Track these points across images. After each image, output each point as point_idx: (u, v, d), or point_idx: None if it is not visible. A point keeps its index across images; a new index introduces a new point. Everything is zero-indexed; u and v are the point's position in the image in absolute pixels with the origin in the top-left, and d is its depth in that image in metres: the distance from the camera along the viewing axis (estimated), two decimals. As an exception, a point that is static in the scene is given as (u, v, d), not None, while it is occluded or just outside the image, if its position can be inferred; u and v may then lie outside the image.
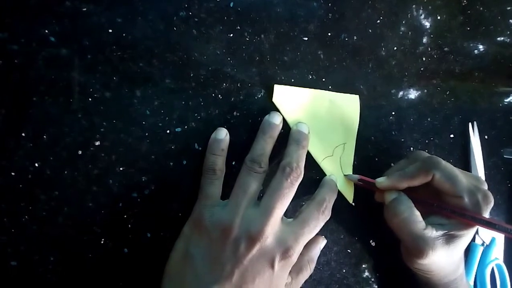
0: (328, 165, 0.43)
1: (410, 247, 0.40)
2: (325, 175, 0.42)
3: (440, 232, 0.39)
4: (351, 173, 0.44)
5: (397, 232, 0.40)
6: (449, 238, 0.39)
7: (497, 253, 0.55)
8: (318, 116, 0.42)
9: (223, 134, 0.37)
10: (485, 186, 0.40)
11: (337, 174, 0.43)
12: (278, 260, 0.35)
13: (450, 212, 0.39)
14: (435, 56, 0.48)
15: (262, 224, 0.34)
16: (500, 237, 0.56)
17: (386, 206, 0.41)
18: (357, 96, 0.44)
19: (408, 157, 0.43)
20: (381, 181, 0.41)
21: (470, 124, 0.51)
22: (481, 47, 0.52)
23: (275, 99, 0.40)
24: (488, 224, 0.38)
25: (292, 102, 0.41)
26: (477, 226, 0.39)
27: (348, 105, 0.44)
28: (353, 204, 0.44)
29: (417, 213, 0.39)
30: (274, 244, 0.35)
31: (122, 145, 0.34)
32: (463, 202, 0.38)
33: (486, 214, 0.38)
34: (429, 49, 0.48)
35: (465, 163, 0.52)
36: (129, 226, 0.35)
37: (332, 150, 0.43)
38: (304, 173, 0.37)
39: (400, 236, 0.40)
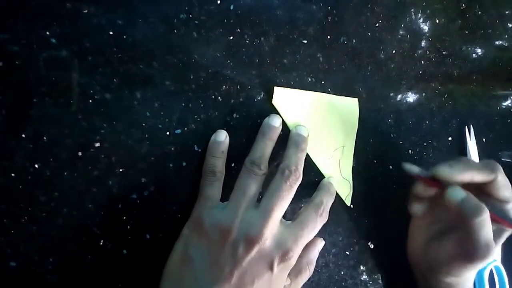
0: (327, 168, 0.43)
1: (474, 249, 0.38)
2: (324, 177, 0.43)
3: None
4: (350, 176, 0.44)
5: (465, 231, 0.39)
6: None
7: (495, 255, 0.55)
8: (318, 119, 0.42)
9: (223, 136, 0.37)
10: None
11: (336, 177, 0.43)
12: (277, 263, 0.35)
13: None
14: (433, 60, 0.48)
15: (261, 226, 0.34)
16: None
17: (459, 206, 0.38)
18: (356, 99, 0.45)
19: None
20: (443, 169, 0.39)
21: (466, 128, 0.52)
22: (479, 50, 0.53)
23: (275, 101, 0.40)
24: None
25: (292, 105, 0.41)
26: None
27: (348, 108, 0.44)
28: (351, 206, 0.44)
29: (489, 216, 0.38)
30: (273, 246, 0.35)
31: (122, 147, 0.34)
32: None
33: None
34: (428, 52, 0.48)
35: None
36: (128, 227, 0.35)
37: (331, 153, 0.43)
38: (303, 176, 0.37)
39: (470, 237, 0.39)
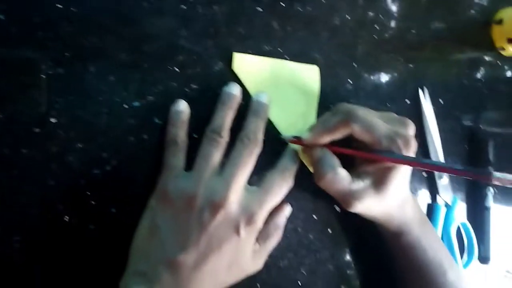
0: (290, 131, 0.43)
1: (339, 201, 0.41)
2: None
3: (368, 181, 0.40)
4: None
5: (326, 191, 0.41)
6: (378, 184, 0.40)
7: (460, 213, 0.57)
8: (279, 85, 0.43)
9: (182, 105, 0.37)
10: (410, 130, 0.40)
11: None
12: (243, 226, 0.36)
13: (377, 153, 0.38)
14: (386, 24, 0.49)
15: (225, 191, 0.35)
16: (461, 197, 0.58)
17: (313, 167, 0.41)
18: (316, 67, 0.45)
19: (332, 110, 0.42)
20: (305, 137, 0.40)
21: (420, 90, 0.53)
22: (434, 14, 0.54)
23: (235, 67, 0.40)
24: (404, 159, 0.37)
25: (253, 71, 0.41)
26: (400, 166, 0.39)
27: (309, 75, 0.45)
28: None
29: (341, 171, 0.39)
30: (238, 211, 0.36)
31: (79, 122, 0.34)
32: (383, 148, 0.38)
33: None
34: (381, 16, 0.49)
35: (421, 127, 0.53)
36: (93, 202, 0.35)
37: (294, 119, 0.44)
38: (268, 144, 0.38)
39: (329, 193, 0.41)
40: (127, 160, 0.36)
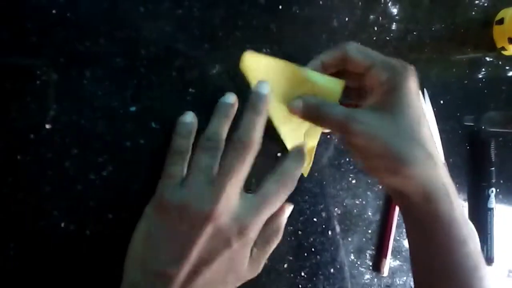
0: (291, 139, 0.42)
1: (340, 133, 0.38)
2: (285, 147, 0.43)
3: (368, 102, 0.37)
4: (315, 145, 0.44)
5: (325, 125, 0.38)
6: (379, 105, 0.36)
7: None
8: (290, 89, 0.38)
9: (190, 117, 0.36)
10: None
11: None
12: (236, 239, 0.34)
13: None
14: (386, 25, 0.49)
15: (214, 202, 0.33)
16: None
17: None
18: (341, 81, 0.39)
19: None
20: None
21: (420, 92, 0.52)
22: (434, 14, 0.54)
23: (245, 67, 0.35)
24: None
25: (264, 74, 0.36)
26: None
27: (329, 89, 0.39)
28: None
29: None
30: (229, 223, 0.33)
31: (75, 127, 0.34)
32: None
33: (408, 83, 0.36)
34: (380, 18, 0.49)
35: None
36: (89, 208, 0.35)
37: (297, 123, 0.41)
38: (268, 145, 0.36)
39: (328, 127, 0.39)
40: (124, 165, 0.36)
